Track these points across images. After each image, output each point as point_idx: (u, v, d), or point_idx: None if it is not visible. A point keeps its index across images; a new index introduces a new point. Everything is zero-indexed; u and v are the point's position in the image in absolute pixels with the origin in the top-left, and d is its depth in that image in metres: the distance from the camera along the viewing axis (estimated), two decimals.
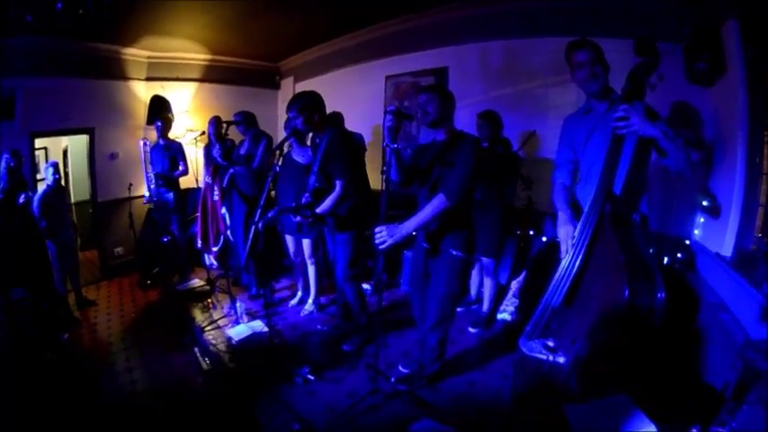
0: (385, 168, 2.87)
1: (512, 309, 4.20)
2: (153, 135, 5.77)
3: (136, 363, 3.88)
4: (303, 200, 3.64)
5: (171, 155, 5.55)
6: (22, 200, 3.96)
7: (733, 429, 1.60)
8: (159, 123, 5.63)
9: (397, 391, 3.17)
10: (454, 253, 2.96)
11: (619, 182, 2.20)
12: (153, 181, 5.40)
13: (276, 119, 7.74)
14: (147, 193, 5.48)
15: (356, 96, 6.34)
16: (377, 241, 2.84)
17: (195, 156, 5.64)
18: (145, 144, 5.45)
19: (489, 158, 4.01)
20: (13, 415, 3.05)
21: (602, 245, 2.06)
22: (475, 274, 4.49)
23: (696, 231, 3.05)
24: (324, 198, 3.60)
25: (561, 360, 2.05)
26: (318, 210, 3.58)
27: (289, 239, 4.60)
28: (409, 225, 2.84)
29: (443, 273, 3.03)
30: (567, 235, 2.25)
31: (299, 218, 3.69)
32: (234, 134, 5.13)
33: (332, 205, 3.57)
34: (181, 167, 5.64)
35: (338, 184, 3.55)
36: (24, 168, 4.51)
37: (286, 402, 3.14)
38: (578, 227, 2.15)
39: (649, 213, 2.36)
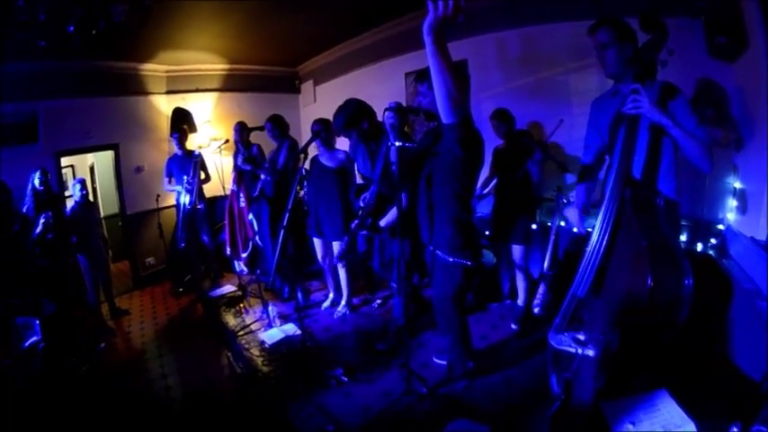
0: (394, 169, 2.83)
1: (540, 302, 4.11)
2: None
3: (170, 368, 3.98)
4: (362, 202, 3.58)
5: (192, 165, 5.57)
6: (42, 220, 4.01)
7: None
8: (176, 135, 5.69)
9: (431, 391, 3.13)
10: (442, 255, 2.84)
11: (641, 166, 2.14)
12: (190, 189, 5.47)
13: (298, 123, 7.74)
14: (184, 201, 5.54)
15: (377, 95, 6.27)
16: None
17: (221, 164, 5.69)
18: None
19: (507, 151, 4.04)
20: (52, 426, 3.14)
21: (625, 231, 1.97)
22: (502, 267, 4.43)
23: (729, 215, 2.94)
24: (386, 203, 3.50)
25: (591, 353, 2.00)
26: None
27: (317, 242, 4.56)
28: None
29: (436, 274, 2.96)
30: (573, 218, 2.21)
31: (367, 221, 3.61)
32: (262, 140, 5.18)
33: None
34: (203, 175, 5.74)
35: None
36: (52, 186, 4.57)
37: (320, 405, 3.14)
38: (600, 214, 2.09)
39: (680, 199, 2.26)
